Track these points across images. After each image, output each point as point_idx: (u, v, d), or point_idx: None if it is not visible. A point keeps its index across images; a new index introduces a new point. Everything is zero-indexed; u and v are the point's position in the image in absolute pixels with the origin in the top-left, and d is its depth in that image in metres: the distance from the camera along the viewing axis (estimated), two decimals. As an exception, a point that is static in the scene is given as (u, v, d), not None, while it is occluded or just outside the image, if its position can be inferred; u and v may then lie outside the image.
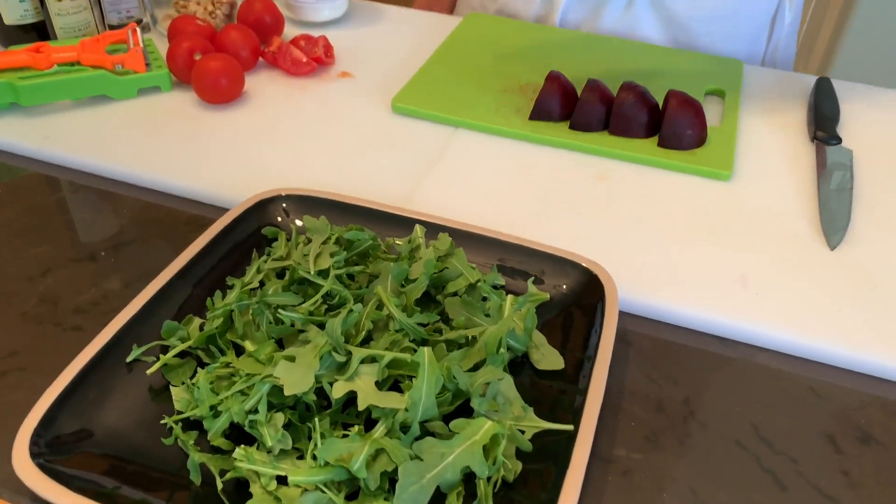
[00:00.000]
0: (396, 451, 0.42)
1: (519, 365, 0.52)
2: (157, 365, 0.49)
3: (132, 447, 0.45)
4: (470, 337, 0.50)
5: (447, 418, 0.45)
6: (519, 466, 0.44)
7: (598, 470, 0.47)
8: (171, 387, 0.48)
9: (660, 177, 0.73)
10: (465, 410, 0.46)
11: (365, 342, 0.49)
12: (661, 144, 0.75)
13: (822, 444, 0.50)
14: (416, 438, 0.43)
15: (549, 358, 0.52)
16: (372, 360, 0.46)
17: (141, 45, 0.81)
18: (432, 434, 0.44)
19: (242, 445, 0.43)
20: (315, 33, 0.92)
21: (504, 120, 0.78)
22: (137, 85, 0.80)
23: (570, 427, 0.45)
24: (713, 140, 0.76)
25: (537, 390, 0.50)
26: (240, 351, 0.50)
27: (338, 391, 0.44)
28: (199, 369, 0.49)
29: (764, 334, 0.57)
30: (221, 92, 0.79)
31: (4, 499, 0.44)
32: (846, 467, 0.49)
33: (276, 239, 0.60)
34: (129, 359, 0.49)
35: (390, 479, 0.42)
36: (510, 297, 0.53)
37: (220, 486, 0.42)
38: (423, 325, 0.51)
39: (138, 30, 0.81)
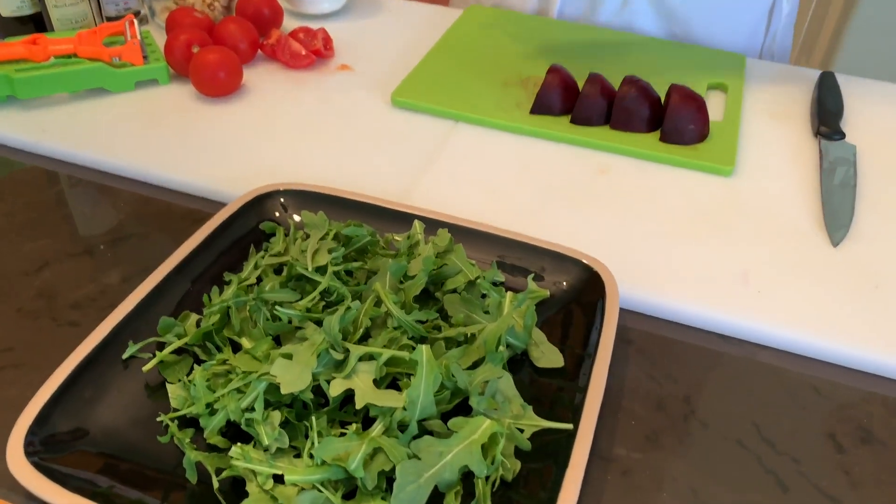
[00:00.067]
0: (394, 450, 0.42)
1: (518, 363, 0.52)
2: (154, 362, 0.49)
3: (128, 445, 0.45)
4: (469, 334, 0.50)
5: (445, 416, 0.45)
6: (518, 465, 0.44)
7: (598, 469, 0.47)
8: (167, 384, 0.48)
9: (661, 172, 0.72)
10: (464, 409, 0.46)
11: (363, 339, 0.49)
12: (662, 139, 0.74)
13: (824, 443, 0.50)
14: (415, 437, 0.43)
15: (548, 356, 0.51)
16: (370, 357, 0.46)
17: (138, 37, 0.80)
18: (430, 432, 0.44)
19: (239, 444, 0.43)
20: (314, 26, 0.91)
21: (504, 114, 0.78)
22: (135, 78, 0.80)
23: (569, 426, 0.45)
24: (715, 135, 0.75)
25: (537, 388, 0.50)
26: (237, 348, 0.50)
27: (335, 389, 0.44)
28: (195, 366, 0.49)
29: (765, 332, 0.56)
30: (220, 85, 0.79)
31: (-1, 497, 0.44)
32: (848, 467, 0.48)
33: (273, 234, 0.59)
34: (124, 356, 0.49)
35: (388, 479, 0.42)
36: (510, 293, 0.53)
37: (216, 484, 0.42)
38: (422, 323, 0.51)
39: (136, 22, 0.80)
